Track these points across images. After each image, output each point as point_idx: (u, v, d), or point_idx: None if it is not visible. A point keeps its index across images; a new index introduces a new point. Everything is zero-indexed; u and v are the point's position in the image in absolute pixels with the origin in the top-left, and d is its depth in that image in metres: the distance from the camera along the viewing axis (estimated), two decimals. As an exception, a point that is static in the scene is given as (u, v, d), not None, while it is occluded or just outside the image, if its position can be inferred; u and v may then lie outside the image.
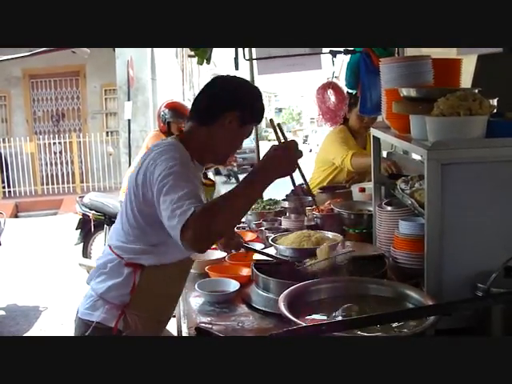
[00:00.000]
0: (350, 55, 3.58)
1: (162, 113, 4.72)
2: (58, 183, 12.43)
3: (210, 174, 5.51)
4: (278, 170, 1.65)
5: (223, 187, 15.24)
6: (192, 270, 2.48)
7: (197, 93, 1.97)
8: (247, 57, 3.78)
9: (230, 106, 1.84)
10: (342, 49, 3.44)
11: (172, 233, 1.57)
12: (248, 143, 20.50)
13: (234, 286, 2.17)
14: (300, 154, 1.68)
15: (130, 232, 1.84)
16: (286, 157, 1.66)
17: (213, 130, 1.85)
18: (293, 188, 1.91)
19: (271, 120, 1.84)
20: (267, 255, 2.29)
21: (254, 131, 4.76)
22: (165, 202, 1.60)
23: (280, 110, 69.46)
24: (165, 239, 1.72)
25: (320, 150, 3.98)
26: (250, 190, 1.65)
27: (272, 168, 1.65)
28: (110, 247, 1.90)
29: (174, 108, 4.75)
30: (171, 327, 4.20)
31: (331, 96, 3.52)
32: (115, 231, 1.92)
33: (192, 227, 1.50)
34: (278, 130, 1.76)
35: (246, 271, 2.33)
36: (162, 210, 1.61)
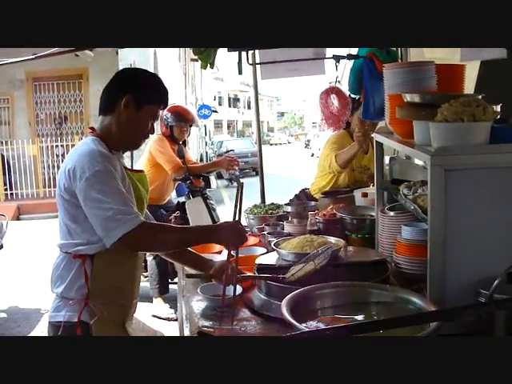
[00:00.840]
0: (353, 60, 3.58)
1: (165, 117, 4.72)
2: (60, 186, 12.44)
3: (212, 178, 5.52)
4: (228, 237, 1.98)
5: (225, 191, 15.26)
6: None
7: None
8: (250, 61, 3.78)
9: (122, 90, 2.00)
10: (345, 54, 3.44)
11: (108, 232, 1.80)
12: (250, 147, 20.57)
13: (236, 290, 2.16)
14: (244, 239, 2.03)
15: (68, 227, 1.95)
16: (239, 233, 1.98)
17: (115, 117, 2.00)
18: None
19: (241, 184, 2.03)
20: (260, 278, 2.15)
21: (256, 135, 4.77)
22: (102, 202, 1.80)
23: (282, 114, 69.60)
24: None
25: (320, 156, 3.99)
26: (193, 236, 2.02)
27: (224, 233, 1.97)
28: (59, 249, 2.01)
29: (177, 112, 4.75)
30: (171, 330, 4.20)
31: (334, 101, 3.51)
32: (59, 232, 2.02)
33: (137, 236, 1.81)
34: (239, 197, 2.02)
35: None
36: (98, 208, 1.81)
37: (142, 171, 2.23)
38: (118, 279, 2.01)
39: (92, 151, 1.89)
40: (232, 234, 1.96)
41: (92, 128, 2.05)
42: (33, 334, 4.69)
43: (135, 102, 1.98)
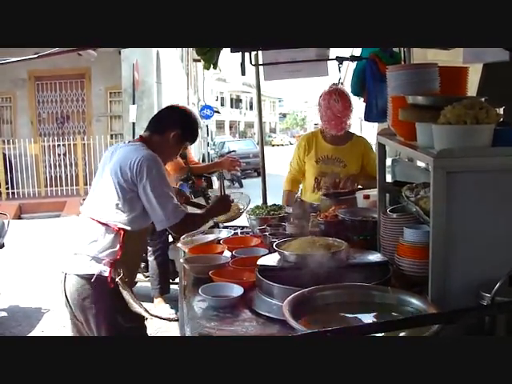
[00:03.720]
0: (356, 62, 3.58)
1: (167, 117, 4.73)
2: (61, 185, 12.47)
3: (214, 179, 5.52)
4: (220, 210, 2.88)
5: (226, 192, 15.24)
6: (195, 275, 2.49)
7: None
8: (253, 62, 3.79)
9: (175, 125, 2.59)
10: (348, 55, 3.44)
11: (161, 217, 2.40)
12: (252, 148, 20.57)
13: (237, 291, 2.17)
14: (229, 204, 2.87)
15: (117, 205, 2.39)
16: (224, 205, 2.85)
17: (160, 139, 2.58)
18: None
19: (220, 174, 3.06)
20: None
21: (259, 136, 4.77)
22: (160, 196, 2.38)
23: (284, 115, 69.62)
24: (143, 210, 2.43)
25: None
26: (208, 217, 2.85)
27: (217, 209, 2.84)
28: (96, 221, 2.42)
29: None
30: (172, 330, 4.19)
31: (337, 102, 3.50)
32: (98, 207, 2.45)
33: (181, 224, 2.44)
34: (222, 184, 3.13)
35: (249, 276, 2.33)
36: (155, 198, 2.37)
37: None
38: (136, 253, 2.61)
39: (153, 155, 2.43)
40: (223, 206, 2.83)
41: (141, 136, 2.60)
42: (33, 333, 4.68)
43: (180, 137, 2.60)
